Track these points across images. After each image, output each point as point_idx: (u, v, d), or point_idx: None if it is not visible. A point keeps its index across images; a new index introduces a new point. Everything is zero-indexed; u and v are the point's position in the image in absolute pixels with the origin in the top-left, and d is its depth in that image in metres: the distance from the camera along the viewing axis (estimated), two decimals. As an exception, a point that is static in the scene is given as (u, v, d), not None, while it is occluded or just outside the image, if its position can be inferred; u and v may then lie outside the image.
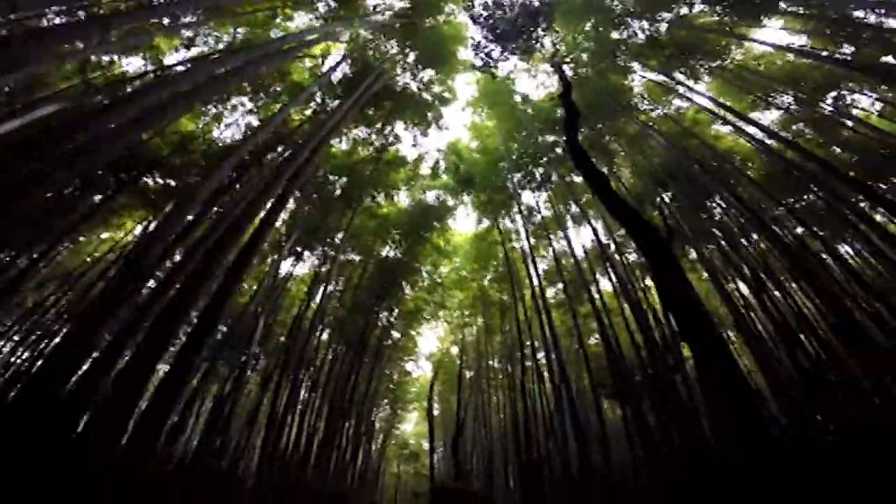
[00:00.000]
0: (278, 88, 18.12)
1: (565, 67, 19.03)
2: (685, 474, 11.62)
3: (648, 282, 24.65)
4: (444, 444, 43.63)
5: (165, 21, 13.81)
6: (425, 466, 48.25)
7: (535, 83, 22.03)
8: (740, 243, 19.22)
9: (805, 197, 20.22)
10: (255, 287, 20.62)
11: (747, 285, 18.62)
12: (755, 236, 19.81)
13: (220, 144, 18.42)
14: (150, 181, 16.62)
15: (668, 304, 8.05)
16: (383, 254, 24.25)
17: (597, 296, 19.20)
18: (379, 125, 21.59)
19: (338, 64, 18.93)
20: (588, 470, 16.03)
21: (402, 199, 24.65)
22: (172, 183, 17.16)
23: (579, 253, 23.82)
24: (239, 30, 17.35)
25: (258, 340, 17.93)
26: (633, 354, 17.99)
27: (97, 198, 15.96)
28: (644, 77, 22.07)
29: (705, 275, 20.69)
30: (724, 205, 20.29)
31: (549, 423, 19.56)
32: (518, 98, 23.14)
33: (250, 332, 17.43)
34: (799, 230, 19.06)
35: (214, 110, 18.35)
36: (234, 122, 18.97)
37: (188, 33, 15.77)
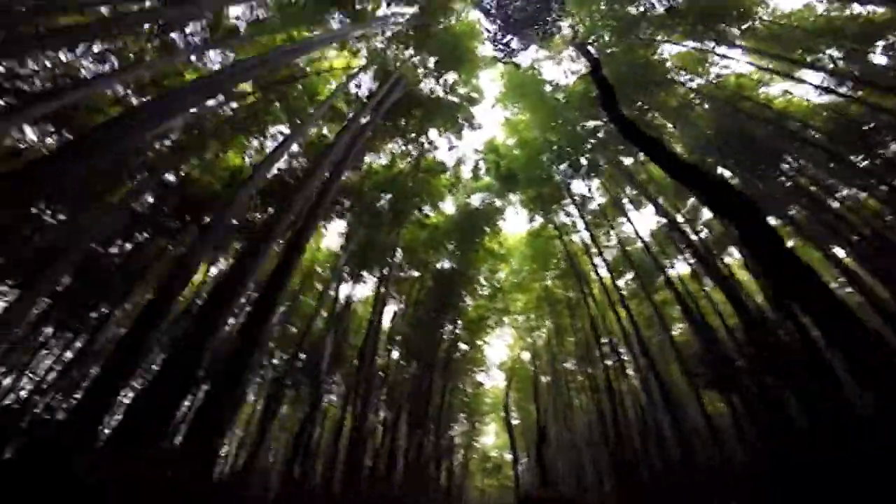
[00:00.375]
0: (311, 111, 18.35)
1: (589, 48, 18.19)
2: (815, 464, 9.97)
3: (730, 257, 22.62)
4: (527, 454, 42.26)
5: (192, 58, 14.42)
6: (509, 478, 46.84)
7: (561, 70, 21.35)
8: (821, 205, 17.07)
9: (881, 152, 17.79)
10: (323, 313, 20.83)
11: (831, 253, 16.53)
12: (835, 196, 17.64)
13: (267, 177, 18.94)
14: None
15: (768, 271, 6.84)
16: (438, 266, 23.85)
17: (676, 279, 17.63)
18: (413, 135, 21.39)
19: (359, 77, 19.00)
20: (690, 465, 14.54)
21: (448, 206, 24.21)
22: (235, 221, 17.84)
23: (646, 237, 22.22)
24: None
25: (328, 364, 18.00)
26: (727, 337, 16.27)
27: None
28: (674, 48, 20.70)
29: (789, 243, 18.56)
30: (792, 167, 18.39)
31: (642, 419, 18.08)
32: (548, 87, 22.20)
33: (324, 357, 17.54)
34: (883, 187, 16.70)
35: (256, 142, 18.89)
36: (277, 151, 19.40)
37: (214, 66, 16.43)
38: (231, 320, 16.10)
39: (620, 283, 23.70)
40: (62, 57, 12.64)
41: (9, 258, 10.95)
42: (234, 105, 17.90)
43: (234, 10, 16.22)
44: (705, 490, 13.92)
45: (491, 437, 48.14)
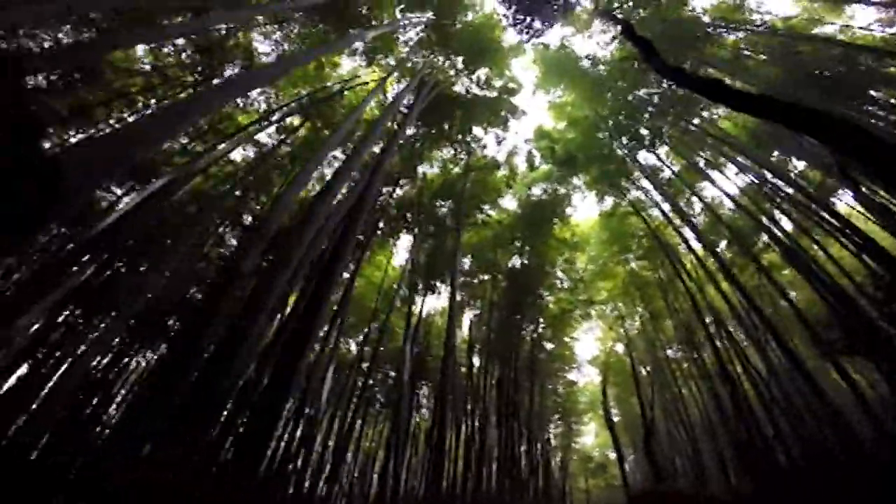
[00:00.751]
0: (357, 133, 18.48)
1: (616, 14, 17.03)
2: None
3: (844, 205, 19.79)
4: (632, 450, 39.78)
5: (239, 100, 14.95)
6: (615, 477, 44.29)
7: (594, 42, 20.35)
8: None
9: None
10: (399, 329, 20.84)
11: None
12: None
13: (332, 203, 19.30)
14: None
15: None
16: (509, 264, 22.98)
17: (783, 238, 15.60)
18: (459, 136, 20.91)
19: (392, 89, 18.95)
20: (839, 446, 12.51)
21: (510, 203, 23.33)
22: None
23: (736, 197, 20.02)
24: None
25: (409, 377, 17.80)
26: (858, 294, 14.07)
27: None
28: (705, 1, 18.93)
29: None
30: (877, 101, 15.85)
31: (768, 400, 15.97)
32: (585, 62, 20.87)
33: (405, 371, 17.38)
34: None
35: (317, 172, 19.28)
36: (336, 178, 19.73)
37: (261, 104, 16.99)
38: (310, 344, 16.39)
39: (717, 252, 21.57)
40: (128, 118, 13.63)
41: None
42: (287, 138, 18.52)
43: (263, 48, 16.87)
44: (863, 475, 11.88)
45: (590, 436, 45.97)
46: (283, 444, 12.63)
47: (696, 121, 21.03)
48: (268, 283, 7.83)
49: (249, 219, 17.84)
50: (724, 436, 18.72)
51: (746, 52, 19.33)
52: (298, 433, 13.66)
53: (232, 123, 17.93)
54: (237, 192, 16.65)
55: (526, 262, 22.40)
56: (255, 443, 6.15)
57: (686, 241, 19.55)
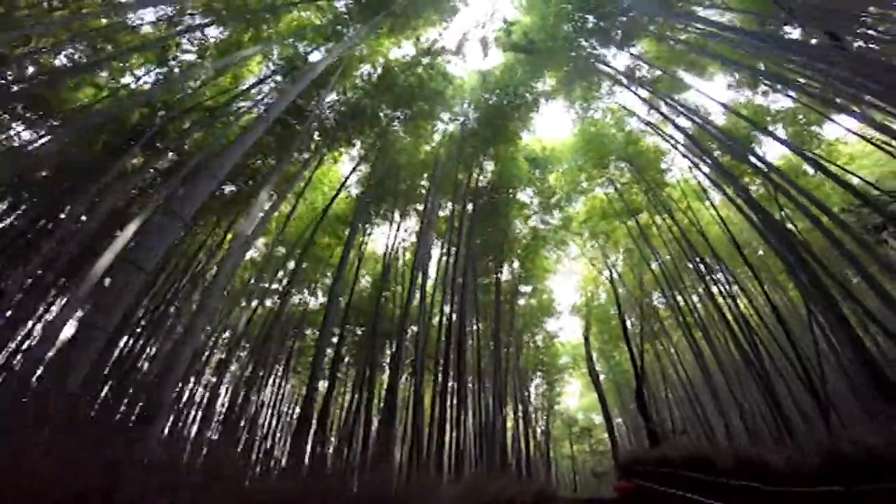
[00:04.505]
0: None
1: None
2: None
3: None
4: (619, 414, 37.39)
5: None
6: (602, 442, 41.95)
7: None
8: None
9: None
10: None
11: None
12: None
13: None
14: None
15: None
16: (473, 184, 18.97)
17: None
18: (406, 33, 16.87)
19: None
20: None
21: (469, 112, 19.14)
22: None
23: (724, 110, 16.48)
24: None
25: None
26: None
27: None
28: None
29: None
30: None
31: (786, 344, 12.90)
32: None
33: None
34: None
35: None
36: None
37: None
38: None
39: (704, 170, 18.10)
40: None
41: None
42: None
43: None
44: None
45: (574, 398, 43.41)
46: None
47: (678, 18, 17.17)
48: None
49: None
50: (730, 391, 15.75)
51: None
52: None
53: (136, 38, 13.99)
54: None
55: (492, 179, 18.57)
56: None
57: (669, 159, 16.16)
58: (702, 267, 16.39)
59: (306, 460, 10.21)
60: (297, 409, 17.98)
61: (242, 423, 13.45)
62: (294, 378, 24.72)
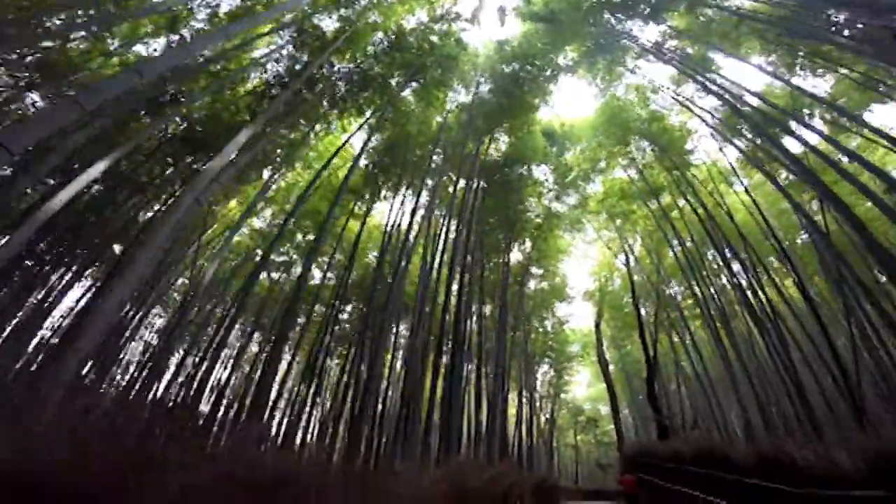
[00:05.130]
0: None
1: None
2: None
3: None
4: (627, 407, 36.58)
5: None
6: (607, 434, 41.14)
7: None
8: None
9: None
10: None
11: None
12: None
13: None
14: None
15: None
16: (487, 158, 17.97)
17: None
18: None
19: None
20: None
21: (483, 86, 18.15)
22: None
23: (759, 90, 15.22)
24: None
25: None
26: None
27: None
28: None
29: None
30: None
31: (818, 338, 11.90)
32: None
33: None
34: None
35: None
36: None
37: None
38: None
39: (733, 154, 16.87)
40: None
41: None
42: None
43: None
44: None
45: (581, 387, 42.51)
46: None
47: None
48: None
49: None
50: (751, 386, 14.77)
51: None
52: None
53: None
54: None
55: (506, 152, 17.49)
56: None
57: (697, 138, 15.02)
58: (727, 253, 15.34)
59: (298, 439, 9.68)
60: (302, 387, 17.51)
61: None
62: (300, 354, 24.37)
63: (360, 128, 16.92)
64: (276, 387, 20.82)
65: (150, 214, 15.60)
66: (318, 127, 17.23)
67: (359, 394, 15.75)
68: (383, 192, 18.63)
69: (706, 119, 16.14)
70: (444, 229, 17.84)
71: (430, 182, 17.61)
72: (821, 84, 16.16)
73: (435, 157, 16.79)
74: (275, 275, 22.89)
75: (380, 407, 15.14)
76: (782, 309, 14.46)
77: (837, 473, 6.80)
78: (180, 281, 19.40)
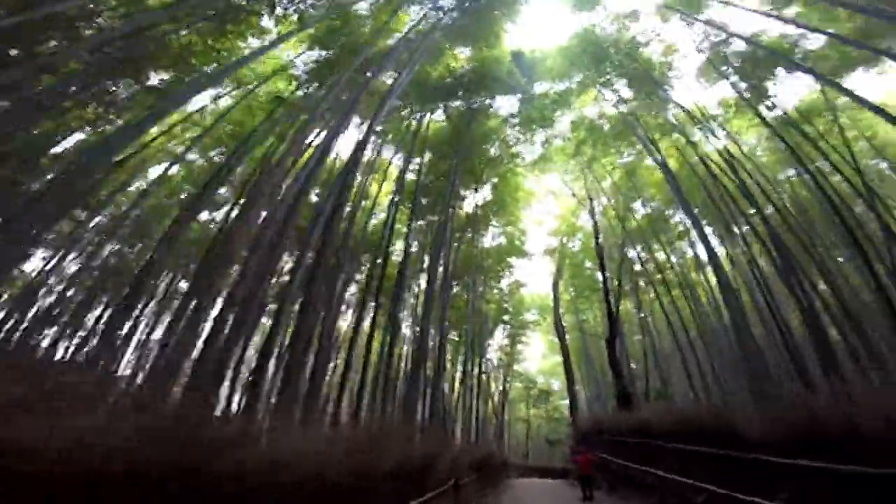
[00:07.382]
0: None
1: None
2: None
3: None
4: (582, 379, 35.57)
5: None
6: (558, 409, 40.11)
7: None
8: None
9: None
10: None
11: None
12: None
13: None
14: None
15: None
16: (443, 79, 15.45)
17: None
18: None
19: None
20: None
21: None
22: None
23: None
24: None
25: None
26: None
27: None
28: None
29: None
30: None
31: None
32: None
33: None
34: None
35: None
36: None
37: None
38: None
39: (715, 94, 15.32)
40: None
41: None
42: None
43: None
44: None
45: (535, 361, 41.06)
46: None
47: None
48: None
49: None
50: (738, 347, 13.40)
51: None
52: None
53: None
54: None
55: (469, 76, 14.89)
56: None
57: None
58: (695, 213, 13.70)
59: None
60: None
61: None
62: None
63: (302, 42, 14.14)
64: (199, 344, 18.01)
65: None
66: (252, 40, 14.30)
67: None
68: (325, 119, 15.82)
69: (690, 58, 14.49)
70: (399, 165, 15.41)
71: (384, 108, 14.94)
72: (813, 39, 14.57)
73: (388, 80, 14.11)
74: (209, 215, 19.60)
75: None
76: (769, 271, 13.04)
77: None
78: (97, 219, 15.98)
